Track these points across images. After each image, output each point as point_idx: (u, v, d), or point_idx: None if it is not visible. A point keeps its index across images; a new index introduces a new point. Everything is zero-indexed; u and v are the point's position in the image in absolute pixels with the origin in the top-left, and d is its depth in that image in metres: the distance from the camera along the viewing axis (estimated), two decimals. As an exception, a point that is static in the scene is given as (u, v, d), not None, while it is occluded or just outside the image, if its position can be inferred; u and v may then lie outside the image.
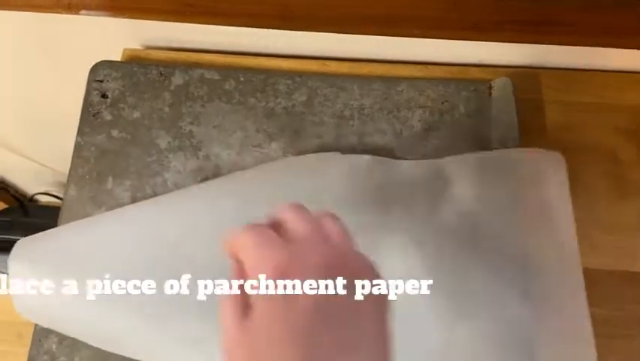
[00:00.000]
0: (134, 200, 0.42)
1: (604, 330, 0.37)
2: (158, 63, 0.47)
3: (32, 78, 0.61)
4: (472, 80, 0.46)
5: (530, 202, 0.40)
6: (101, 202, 0.42)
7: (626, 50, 0.44)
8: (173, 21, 0.43)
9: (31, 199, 1.08)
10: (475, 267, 0.39)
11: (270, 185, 0.41)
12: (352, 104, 0.46)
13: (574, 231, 0.39)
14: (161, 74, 0.46)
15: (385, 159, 0.43)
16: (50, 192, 1.04)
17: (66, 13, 0.43)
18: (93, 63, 0.47)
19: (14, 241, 0.88)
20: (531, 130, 0.44)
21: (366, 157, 0.42)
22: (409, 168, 0.42)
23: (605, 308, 0.38)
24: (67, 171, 0.96)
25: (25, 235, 0.87)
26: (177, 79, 0.46)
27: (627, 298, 0.40)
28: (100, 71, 0.46)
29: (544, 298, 0.38)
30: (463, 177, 0.41)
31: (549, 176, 0.41)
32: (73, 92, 0.61)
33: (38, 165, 0.94)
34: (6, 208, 0.97)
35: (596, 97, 0.46)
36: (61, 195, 1.05)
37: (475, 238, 0.39)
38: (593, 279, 0.39)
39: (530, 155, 0.42)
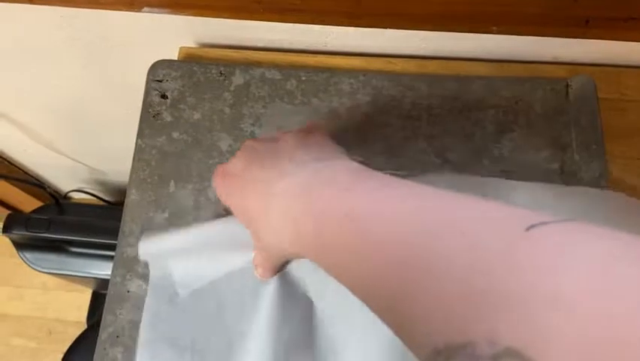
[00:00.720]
0: (197, 204, 0.41)
1: None
2: (217, 62, 0.46)
3: (74, 76, 0.60)
4: (549, 79, 0.44)
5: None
6: (164, 206, 0.41)
7: None
8: (239, 19, 0.41)
9: (65, 196, 1.08)
10: None
11: None
12: (420, 104, 0.44)
13: None
14: (221, 73, 0.45)
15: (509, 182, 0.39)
16: (84, 189, 1.04)
17: (127, 11, 0.42)
18: (141, 62, 0.45)
19: (52, 240, 0.87)
20: (612, 132, 0.42)
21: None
22: (525, 191, 0.39)
23: None
24: (101, 168, 0.95)
25: (63, 233, 0.87)
26: (237, 78, 0.45)
27: None
28: (159, 71, 0.45)
29: None
30: (588, 211, 0.37)
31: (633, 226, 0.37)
32: (114, 91, 0.60)
33: (72, 162, 0.94)
34: (42, 206, 0.97)
35: (681, 96, 0.43)
36: (95, 192, 1.04)
37: None
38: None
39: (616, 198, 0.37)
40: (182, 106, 0.44)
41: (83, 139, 0.79)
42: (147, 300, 0.38)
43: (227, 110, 0.44)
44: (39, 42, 0.52)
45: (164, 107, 0.44)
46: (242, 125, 0.43)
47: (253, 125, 0.43)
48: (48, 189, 0.98)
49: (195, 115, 0.44)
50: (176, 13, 0.42)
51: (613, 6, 0.39)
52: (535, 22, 0.40)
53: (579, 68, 0.44)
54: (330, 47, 0.47)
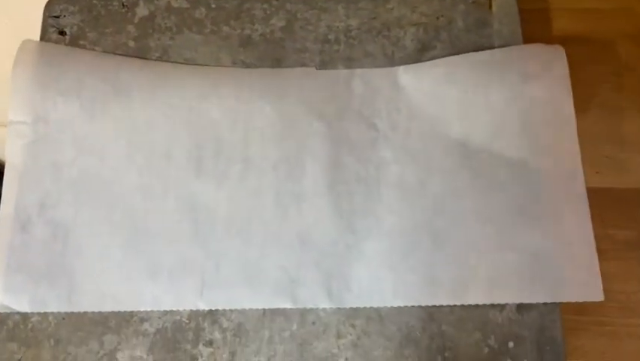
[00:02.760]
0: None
1: (629, 253, 0.33)
2: (120, -6, 0.42)
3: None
4: (470, -9, 0.41)
5: (528, 100, 0.36)
6: (66, 149, 0.38)
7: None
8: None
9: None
10: (468, 174, 0.36)
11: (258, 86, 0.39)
12: (337, 27, 0.41)
13: (575, 130, 0.35)
14: (123, 5, 0.42)
15: (367, 69, 0.39)
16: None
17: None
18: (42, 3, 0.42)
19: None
20: (535, 42, 0.40)
21: (345, 71, 0.39)
22: (389, 75, 0.39)
23: (632, 229, 0.35)
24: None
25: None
26: (141, 10, 0.42)
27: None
28: (55, 7, 0.42)
29: (543, 205, 0.35)
30: (454, 78, 0.38)
31: (548, 71, 0.37)
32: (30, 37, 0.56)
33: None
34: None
35: (608, 2, 0.41)
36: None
37: (468, 143, 0.36)
38: (616, 198, 0.35)
39: (528, 50, 0.38)
40: (82, 42, 0.41)
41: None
42: None
43: (131, 43, 0.41)
44: None
45: (62, 45, 0.41)
46: (148, 58, 0.40)
47: (160, 58, 0.41)
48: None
49: (97, 50, 0.41)
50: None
51: None
52: None
53: (503, -22, 0.42)
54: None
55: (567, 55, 0.38)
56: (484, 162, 0.36)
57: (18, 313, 0.35)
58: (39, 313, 0.35)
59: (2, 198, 0.36)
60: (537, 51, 0.38)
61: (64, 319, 0.35)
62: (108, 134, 0.37)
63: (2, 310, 0.35)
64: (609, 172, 0.37)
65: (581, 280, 0.32)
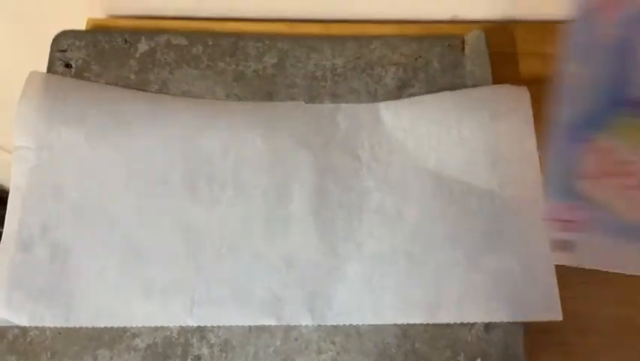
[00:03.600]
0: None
1: (590, 277, 0.36)
2: (123, 31, 0.46)
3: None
4: (446, 36, 0.45)
5: (496, 136, 0.40)
6: (68, 173, 0.41)
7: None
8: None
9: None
10: (442, 203, 0.39)
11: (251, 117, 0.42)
12: (324, 65, 0.45)
13: (537, 164, 0.39)
14: (126, 41, 0.45)
15: (351, 105, 0.43)
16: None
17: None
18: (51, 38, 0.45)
19: None
20: (505, 82, 0.43)
21: (330, 105, 0.43)
22: (371, 110, 0.42)
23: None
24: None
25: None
26: (143, 45, 0.45)
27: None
28: (63, 41, 0.45)
29: (508, 231, 0.38)
30: (430, 115, 0.41)
31: (514, 110, 0.41)
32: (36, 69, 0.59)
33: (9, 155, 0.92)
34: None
35: (572, 48, 0.45)
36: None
37: (442, 175, 0.40)
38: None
39: (496, 90, 0.42)
40: (86, 74, 0.44)
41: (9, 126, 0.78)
42: (1, 245, 0.38)
43: (132, 76, 0.44)
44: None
45: (68, 77, 0.44)
46: (148, 91, 0.44)
47: (159, 90, 0.44)
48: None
49: (100, 83, 0.44)
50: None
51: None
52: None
53: (476, 25, 0.46)
54: (236, 13, 0.47)
55: (532, 94, 0.42)
56: (456, 192, 0.39)
57: (17, 327, 0.37)
58: (37, 328, 0.37)
59: (7, 218, 0.38)
60: (504, 91, 0.41)
61: (60, 333, 0.37)
62: (109, 161, 0.40)
63: (3, 324, 0.37)
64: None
65: (541, 301, 0.35)
